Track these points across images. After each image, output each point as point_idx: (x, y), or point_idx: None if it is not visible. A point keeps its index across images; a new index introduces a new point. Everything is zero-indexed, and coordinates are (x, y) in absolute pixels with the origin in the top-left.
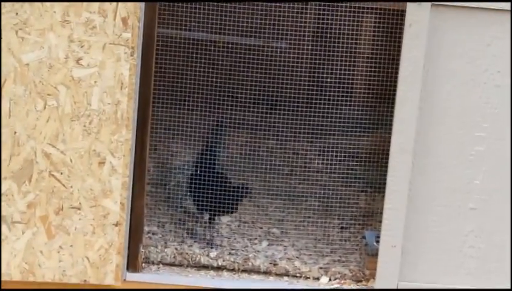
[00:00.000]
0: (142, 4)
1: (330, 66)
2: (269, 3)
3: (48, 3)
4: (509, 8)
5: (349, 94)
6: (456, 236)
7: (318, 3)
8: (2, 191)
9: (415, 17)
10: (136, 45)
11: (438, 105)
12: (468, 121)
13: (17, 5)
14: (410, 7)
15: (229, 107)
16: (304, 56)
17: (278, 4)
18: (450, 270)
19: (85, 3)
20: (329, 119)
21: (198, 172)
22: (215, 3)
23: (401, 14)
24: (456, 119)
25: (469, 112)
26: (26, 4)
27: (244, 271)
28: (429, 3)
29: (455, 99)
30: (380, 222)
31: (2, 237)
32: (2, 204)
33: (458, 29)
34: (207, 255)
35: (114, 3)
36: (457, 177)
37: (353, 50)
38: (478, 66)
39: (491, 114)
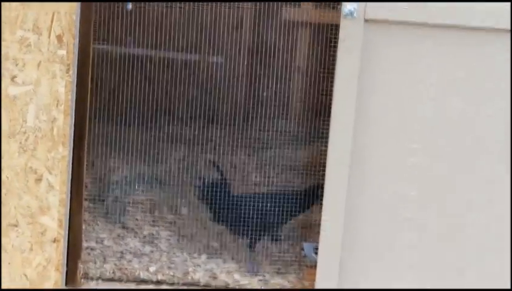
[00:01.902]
0: (77, 21)
1: (266, 81)
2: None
3: None
4: (444, 23)
5: (286, 108)
6: (393, 247)
7: (253, 19)
8: None
9: (349, 31)
10: (71, 61)
11: (373, 118)
12: (404, 133)
13: None
14: (343, 22)
15: (167, 122)
16: (241, 71)
17: (214, 20)
18: (388, 281)
19: (19, 22)
20: (266, 133)
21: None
22: (151, 18)
23: (336, 28)
24: (392, 131)
25: (405, 124)
26: None
27: (184, 285)
28: (362, 18)
29: (391, 111)
30: (319, 233)
31: None
32: None
33: (392, 42)
34: (147, 270)
35: (48, 22)
36: (393, 189)
37: (289, 64)
38: (412, 79)
39: (426, 127)
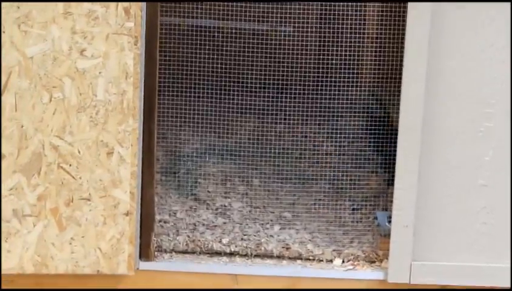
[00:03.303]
0: None
1: (336, 48)
2: None
3: None
4: None
5: (357, 76)
6: (468, 214)
7: None
8: (11, 185)
9: None
10: (139, 34)
11: (445, 83)
12: (476, 97)
13: None
14: None
15: (237, 93)
16: (311, 39)
17: None
18: (463, 248)
19: None
20: (338, 101)
21: None
22: None
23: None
24: (463, 95)
25: (477, 88)
26: None
27: (257, 256)
28: None
29: (462, 75)
30: (392, 202)
31: (14, 231)
32: (12, 197)
33: (462, 4)
34: (220, 241)
35: None
36: (466, 155)
37: (359, 31)
38: (484, 41)
39: (498, 90)
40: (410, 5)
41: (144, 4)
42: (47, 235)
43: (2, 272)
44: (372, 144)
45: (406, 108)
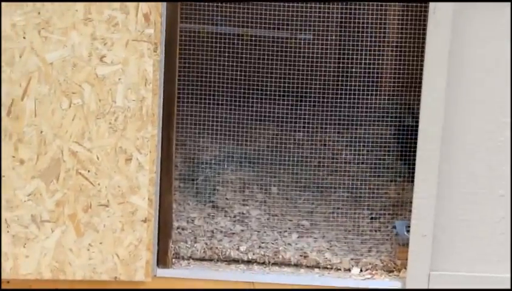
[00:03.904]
0: None
1: (356, 56)
2: None
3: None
4: None
5: (377, 84)
6: (487, 223)
7: None
8: (30, 190)
9: (439, 3)
10: (159, 40)
11: (465, 92)
12: (495, 107)
13: (38, 4)
14: None
15: (256, 100)
16: (331, 47)
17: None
18: (482, 258)
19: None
20: (357, 110)
21: None
22: None
23: (426, 1)
24: (483, 105)
25: (496, 98)
26: (48, 3)
27: (275, 264)
28: None
29: (482, 84)
30: (410, 211)
31: (32, 236)
32: (31, 203)
33: (483, 14)
34: (237, 249)
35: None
36: (485, 164)
37: (379, 39)
38: (504, 51)
39: None
40: (431, 11)
41: (164, 10)
42: (65, 241)
43: (21, 277)
44: (391, 153)
45: (425, 116)
